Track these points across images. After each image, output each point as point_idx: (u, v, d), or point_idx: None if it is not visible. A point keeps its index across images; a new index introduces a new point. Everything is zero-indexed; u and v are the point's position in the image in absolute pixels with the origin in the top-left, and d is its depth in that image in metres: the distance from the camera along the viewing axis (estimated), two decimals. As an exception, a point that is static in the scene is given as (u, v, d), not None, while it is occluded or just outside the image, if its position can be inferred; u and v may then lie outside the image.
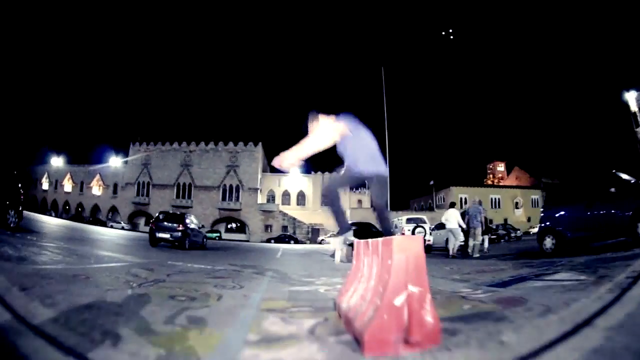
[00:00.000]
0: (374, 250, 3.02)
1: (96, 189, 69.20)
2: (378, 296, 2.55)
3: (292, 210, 62.80)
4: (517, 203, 71.91)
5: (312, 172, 65.85)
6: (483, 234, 12.44)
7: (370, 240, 3.19)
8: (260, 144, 63.67)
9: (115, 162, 67.91)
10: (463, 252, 12.52)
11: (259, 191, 62.08)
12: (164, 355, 1.94)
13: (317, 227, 58.89)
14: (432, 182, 66.59)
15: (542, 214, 9.06)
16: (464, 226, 12.11)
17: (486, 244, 13.28)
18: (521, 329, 2.62)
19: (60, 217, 58.72)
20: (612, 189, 7.25)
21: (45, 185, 74.00)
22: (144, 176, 64.39)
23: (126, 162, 66.31)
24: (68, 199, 70.85)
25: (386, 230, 3.81)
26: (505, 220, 58.81)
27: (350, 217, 53.13)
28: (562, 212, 8.41)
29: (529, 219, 68.33)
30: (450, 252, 11.94)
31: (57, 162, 73.62)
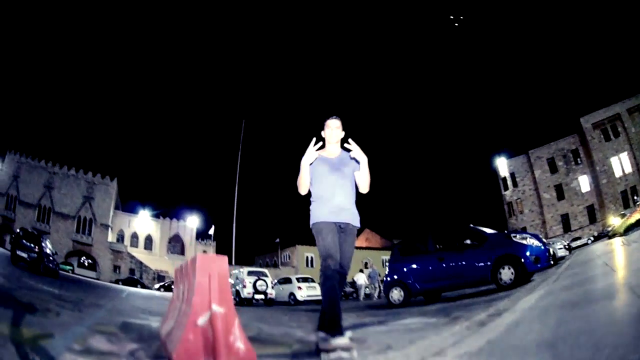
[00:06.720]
0: (186, 272, 3.00)
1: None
2: (186, 316, 2.46)
3: (140, 253, 58.78)
4: (366, 263, 76.48)
5: (161, 218, 63.80)
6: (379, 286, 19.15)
7: (182, 263, 3.36)
8: (115, 179, 59.94)
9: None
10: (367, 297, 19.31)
11: (110, 229, 57.44)
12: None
13: (162, 274, 55.72)
14: (277, 240, 67.26)
15: (388, 267, 9.19)
16: (367, 283, 19.44)
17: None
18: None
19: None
20: (467, 240, 7.61)
21: None
22: (13, 189, 55.31)
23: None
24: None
25: None
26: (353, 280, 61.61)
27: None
28: (411, 264, 8.60)
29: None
30: (360, 298, 19.28)
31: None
